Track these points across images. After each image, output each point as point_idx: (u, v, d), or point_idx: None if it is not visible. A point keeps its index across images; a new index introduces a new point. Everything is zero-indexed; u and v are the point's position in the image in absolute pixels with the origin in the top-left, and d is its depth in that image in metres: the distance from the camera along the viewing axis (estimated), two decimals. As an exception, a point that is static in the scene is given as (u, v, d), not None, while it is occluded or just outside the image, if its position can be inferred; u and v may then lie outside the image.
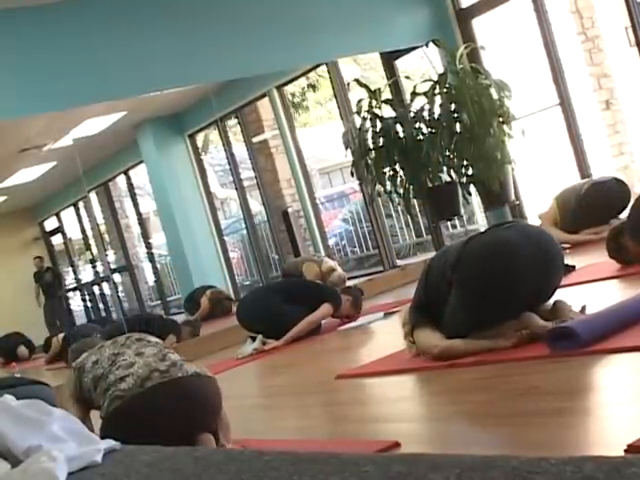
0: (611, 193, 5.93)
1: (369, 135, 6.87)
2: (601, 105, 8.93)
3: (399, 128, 6.83)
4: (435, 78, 6.85)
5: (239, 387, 4.62)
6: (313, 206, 8.85)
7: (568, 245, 5.71)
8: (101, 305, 10.55)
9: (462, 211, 7.22)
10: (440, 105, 6.73)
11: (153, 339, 3.02)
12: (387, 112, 7.00)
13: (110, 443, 2.13)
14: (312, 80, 12.80)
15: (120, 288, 10.49)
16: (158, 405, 2.65)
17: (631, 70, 8.22)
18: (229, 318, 7.58)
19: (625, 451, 1.74)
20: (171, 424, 2.63)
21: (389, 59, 8.27)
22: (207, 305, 8.60)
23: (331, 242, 10.04)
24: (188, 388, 2.69)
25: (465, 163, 6.75)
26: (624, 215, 5.46)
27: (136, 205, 10.06)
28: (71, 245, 10.68)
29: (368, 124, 6.88)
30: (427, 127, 6.76)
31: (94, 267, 10.50)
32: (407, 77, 7.82)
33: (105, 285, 10.44)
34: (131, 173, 9.99)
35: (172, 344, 6.76)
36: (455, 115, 6.68)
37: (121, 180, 10.21)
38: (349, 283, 7.16)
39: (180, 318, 8.19)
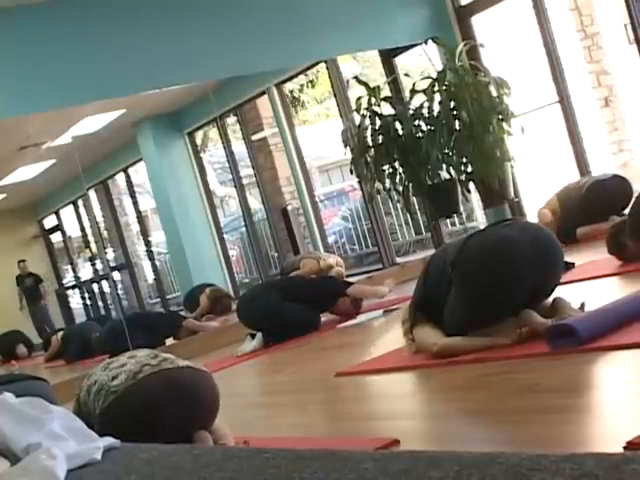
0: (612, 191, 5.93)
1: (368, 133, 6.86)
2: (600, 102, 8.93)
3: (398, 126, 6.82)
4: (434, 76, 6.84)
5: (239, 385, 4.63)
6: (312, 204, 8.84)
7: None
8: (100, 303, 10.54)
9: (461, 209, 7.22)
10: (439, 102, 6.72)
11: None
12: (386, 110, 6.99)
13: (109, 441, 2.13)
14: (311, 77, 12.80)
15: (119, 286, 10.48)
16: (151, 396, 2.65)
17: (630, 67, 8.22)
18: (229, 316, 7.59)
19: (624, 448, 1.74)
20: (165, 416, 2.64)
21: (388, 56, 8.26)
22: (206, 303, 8.59)
23: (330, 240, 10.03)
24: (179, 379, 2.70)
25: (464, 160, 6.74)
26: (626, 212, 5.47)
27: (135, 203, 10.05)
28: (70, 243, 10.66)
29: (367, 122, 6.87)
30: (426, 125, 6.75)
31: (93, 265, 10.48)
32: (406, 75, 7.80)
33: (104, 283, 10.43)
34: (130, 171, 9.98)
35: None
36: (454, 112, 6.67)
37: (120, 178, 10.20)
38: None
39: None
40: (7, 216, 9.78)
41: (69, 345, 8.47)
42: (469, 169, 6.75)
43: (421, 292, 3.47)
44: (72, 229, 10.53)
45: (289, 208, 8.96)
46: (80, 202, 10.19)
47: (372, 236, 9.04)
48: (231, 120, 9.68)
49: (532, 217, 6.72)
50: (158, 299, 10.18)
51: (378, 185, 6.95)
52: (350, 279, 6.99)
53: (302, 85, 13.50)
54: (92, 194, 10.15)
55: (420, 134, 6.75)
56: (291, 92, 12.44)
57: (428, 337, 3.32)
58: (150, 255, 10.20)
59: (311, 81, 13.02)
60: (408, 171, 6.82)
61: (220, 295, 8.68)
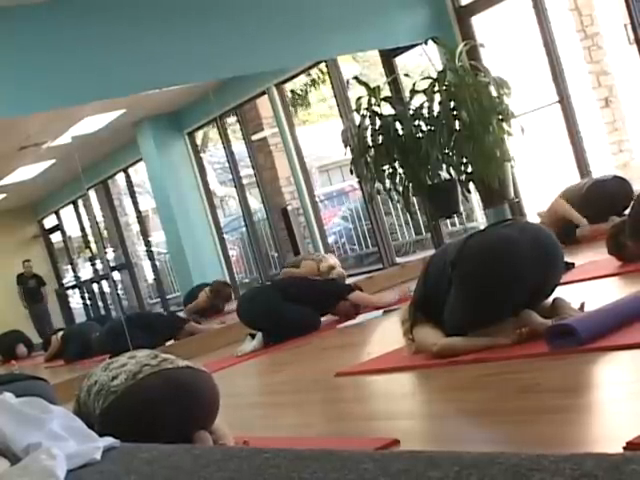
0: (612, 191, 5.93)
1: (368, 133, 6.86)
2: (600, 102, 8.94)
3: (398, 126, 6.82)
4: (434, 76, 6.84)
5: (238, 385, 4.63)
6: (312, 204, 8.84)
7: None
8: (100, 303, 10.54)
9: (461, 209, 7.22)
10: (439, 103, 6.72)
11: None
12: (386, 110, 6.99)
13: (109, 441, 2.13)
14: (313, 76, 12.80)
15: (119, 286, 10.48)
16: (151, 396, 2.66)
17: (630, 67, 8.22)
18: (229, 315, 7.58)
19: (624, 448, 1.74)
20: (165, 416, 2.64)
21: (388, 56, 8.27)
22: (204, 298, 8.57)
23: (330, 240, 10.03)
24: (179, 380, 2.70)
25: (464, 161, 6.74)
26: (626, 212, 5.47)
27: (135, 203, 10.05)
28: (70, 243, 10.66)
29: (367, 122, 6.87)
30: (426, 125, 6.75)
31: (93, 265, 10.49)
32: (406, 75, 7.80)
33: (104, 283, 10.43)
34: (130, 171, 9.98)
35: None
36: (454, 113, 6.68)
37: (120, 178, 10.20)
38: (348, 281, 7.15)
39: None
40: (7, 216, 9.78)
41: (69, 345, 8.47)
42: (469, 169, 6.75)
43: (421, 292, 3.47)
44: (72, 229, 10.53)
45: (289, 208, 8.96)
46: (80, 202, 10.19)
47: (372, 236, 9.04)
48: (231, 120, 9.68)
49: (532, 217, 6.71)
50: (158, 299, 10.19)
51: (378, 185, 6.95)
52: (350, 279, 6.99)
53: (306, 83, 13.49)
54: (92, 194, 10.15)
55: (420, 134, 6.75)
56: (292, 92, 12.43)
57: (428, 337, 3.32)
58: (150, 255, 10.20)
59: (314, 80, 13.02)
60: (408, 171, 6.82)
61: (219, 287, 8.63)
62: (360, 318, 5.52)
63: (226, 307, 8.56)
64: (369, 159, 6.85)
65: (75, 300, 10.77)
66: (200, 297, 8.61)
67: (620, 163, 8.87)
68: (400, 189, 6.89)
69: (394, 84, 7.99)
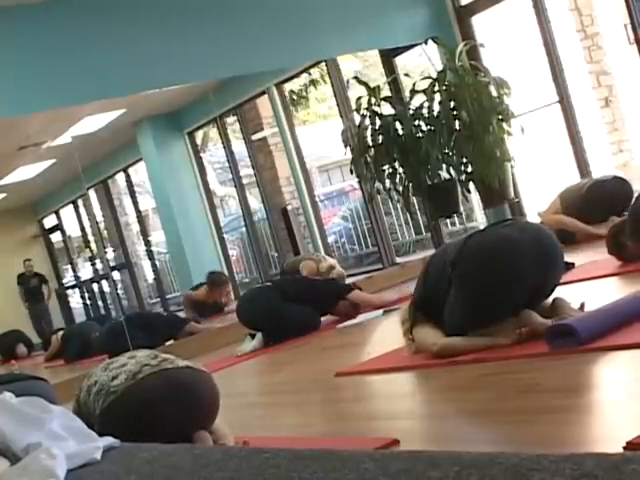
0: (612, 191, 5.93)
1: (368, 133, 6.86)
2: (600, 102, 8.94)
3: (398, 126, 6.82)
4: (434, 76, 6.84)
5: (238, 385, 4.63)
6: (312, 204, 8.84)
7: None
8: (100, 303, 10.55)
9: (461, 209, 7.22)
10: (439, 103, 6.72)
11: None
12: (386, 110, 6.99)
13: (109, 441, 2.13)
14: (313, 76, 12.82)
15: (119, 286, 10.49)
16: (150, 396, 2.66)
17: (630, 67, 8.22)
18: (229, 315, 7.58)
19: (624, 448, 1.74)
20: (165, 415, 2.64)
21: (388, 56, 8.27)
22: (204, 292, 8.58)
23: (330, 240, 10.03)
24: (179, 379, 2.71)
25: (464, 161, 6.74)
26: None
27: (135, 203, 10.05)
28: (70, 243, 10.67)
29: (367, 122, 6.87)
30: (426, 125, 6.75)
31: (93, 265, 10.49)
32: (406, 74, 7.80)
33: (104, 283, 10.43)
34: (130, 171, 9.99)
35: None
36: (454, 113, 6.67)
37: (120, 178, 10.21)
38: (348, 281, 7.15)
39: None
40: (7, 216, 9.78)
41: (69, 345, 8.46)
42: (469, 169, 6.75)
43: (421, 292, 3.47)
44: (72, 229, 10.53)
45: (289, 208, 8.96)
46: (80, 202, 10.20)
47: (372, 236, 9.04)
48: (231, 120, 9.69)
49: (532, 217, 6.71)
50: (158, 299, 10.19)
51: (378, 185, 6.95)
52: (350, 279, 6.99)
53: (305, 83, 13.51)
54: (92, 194, 10.16)
55: (420, 134, 6.75)
56: (292, 92, 12.45)
57: (428, 337, 3.32)
58: (150, 255, 10.21)
59: (314, 80, 13.04)
60: (408, 171, 6.82)
61: (215, 278, 8.62)
62: (360, 318, 5.51)
63: (226, 307, 8.56)
64: (369, 159, 6.85)
65: (75, 300, 10.77)
66: (200, 291, 8.62)
67: (620, 163, 8.87)
68: (400, 189, 6.88)
69: (394, 84, 7.99)
